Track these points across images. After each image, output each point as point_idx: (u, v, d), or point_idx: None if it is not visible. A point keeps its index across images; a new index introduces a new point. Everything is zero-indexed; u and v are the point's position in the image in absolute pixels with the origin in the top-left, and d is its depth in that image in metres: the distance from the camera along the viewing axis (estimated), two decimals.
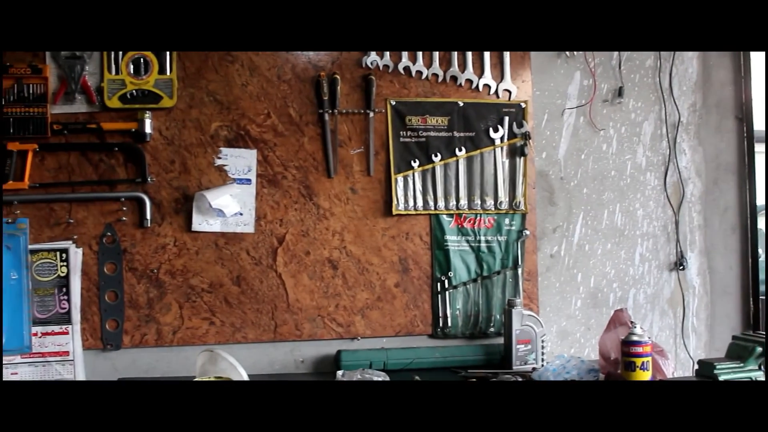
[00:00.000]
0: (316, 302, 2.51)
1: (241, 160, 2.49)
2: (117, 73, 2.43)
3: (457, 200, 2.57)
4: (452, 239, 2.58)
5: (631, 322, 2.04)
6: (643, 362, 1.94)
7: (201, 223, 2.45)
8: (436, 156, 2.57)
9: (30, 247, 2.41)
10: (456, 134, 2.58)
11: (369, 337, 2.53)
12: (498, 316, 2.58)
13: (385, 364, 2.40)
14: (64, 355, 2.42)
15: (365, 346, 2.51)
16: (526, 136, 2.60)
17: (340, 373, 2.28)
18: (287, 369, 2.49)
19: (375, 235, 2.54)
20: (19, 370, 2.40)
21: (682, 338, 2.79)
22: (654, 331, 2.73)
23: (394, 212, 2.54)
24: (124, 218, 2.43)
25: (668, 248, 2.79)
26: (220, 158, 2.48)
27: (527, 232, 2.61)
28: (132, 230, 2.44)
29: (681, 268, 2.78)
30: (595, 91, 2.71)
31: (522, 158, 2.62)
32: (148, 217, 2.44)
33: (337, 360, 2.42)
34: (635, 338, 1.95)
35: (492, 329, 2.59)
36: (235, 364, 1.99)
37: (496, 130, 2.61)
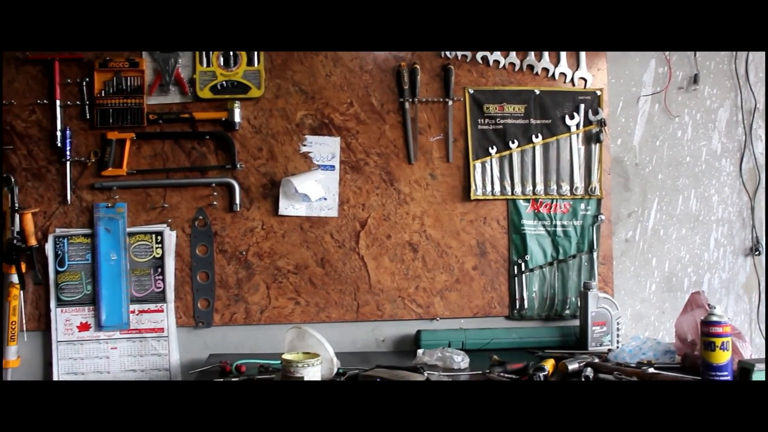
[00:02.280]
0: (396, 284, 2.93)
1: (325, 147, 2.92)
2: (208, 65, 2.88)
3: (534, 186, 2.97)
4: (529, 224, 2.98)
5: (708, 305, 2.31)
6: (723, 342, 2.16)
7: (287, 207, 2.89)
8: (513, 143, 2.97)
9: (128, 230, 2.84)
10: (533, 121, 2.98)
11: (447, 318, 2.93)
12: (573, 299, 2.98)
13: (463, 344, 2.79)
14: (159, 332, 2.88)
15: (444, 326, 2.90)
16: (602, 123, 2.99)
17: (420, 351, 2.69)
18: (369, 348, 2.92)
19: (454, 219, 2.95)
20: (119, 345, 2.86)
21: (757, 323, 3.17)
22: (729, 316, 3.10)
23: (473, 197, 2.95)
24: (214, 203, 2.87)
25: (743, 234, 3.17)
26: (305, 145, 2.91)
27: (602, 217, 3.00)
28: (222, 214, 2.88)
29: (757, 253, 3.14)
30: (670, 78, 3.09)
31: (597, 145, 3.00)
32: (238, 201, 2.86)
33: (417, 339, 2.83)
34: (715, 318, 2.17)
35: (567, 311, 2.98)
36: (322, 341, 2.37)
37: (572, 117, 2.99)
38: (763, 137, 3.08)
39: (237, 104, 2.76)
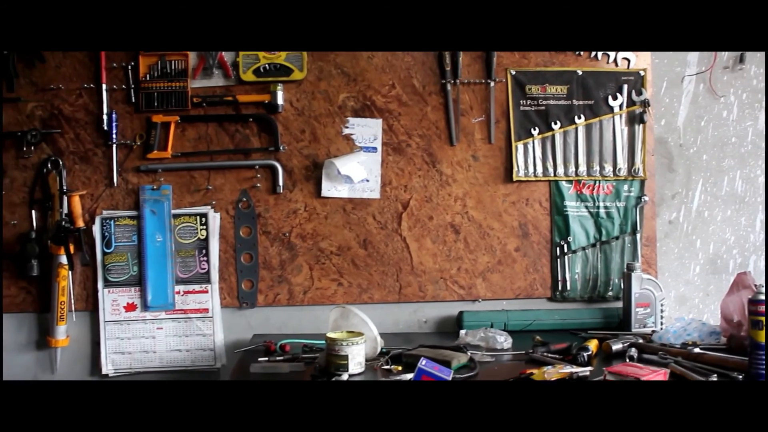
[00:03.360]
0: (438, 265, 3.03)
1: (367, 129, 3.02)
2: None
3: (576, 167, 3.05)
4: (571, 205, 3.07)
5: (756, 285, 2.32)
6: None
7: (330, 189, 3.01)
8: (555, 124, 3.06)
9: (173, 211, 2.96)
10: (575, 102, 3.06)
11: (489, 299, 3.02)
12: (616, 281, 3.06)
13: (505, 325, 2.88)
14: (204, 312, 3.02)
15: (486, 307, 3.02)
16: (645, 104, 3.06)
17: (463, 332, 2.79)
18: (411, 329, 3.03)
19: (496, 200, 3.04)
20: (164, 326, 3.00)
21: None
22: None
23: (515, 179, 3.04)
24: (258, 185, 2.99)
25: None
26: (347, 127, 3.02)
27: (646, 199, 3.08)
28: (265, 196, 3.00)
29: None
30: (716, 57, 3.16)
31: (641, 125, 3.08)
32: (281, 183, 2.98)
33: (459, 320, 2.93)
34: (763, 297, 2.18)
35: (610, 293, 3.07)
36: (366, 320, 2.47)
37: (615, 98, 3.07)
38: None
39: (280, 87, 2.87)
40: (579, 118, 2.92)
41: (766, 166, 3.05)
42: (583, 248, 2.95)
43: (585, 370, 2.11)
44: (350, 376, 2.17)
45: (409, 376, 2.06)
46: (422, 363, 1.99)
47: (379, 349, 2.41)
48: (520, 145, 2.91)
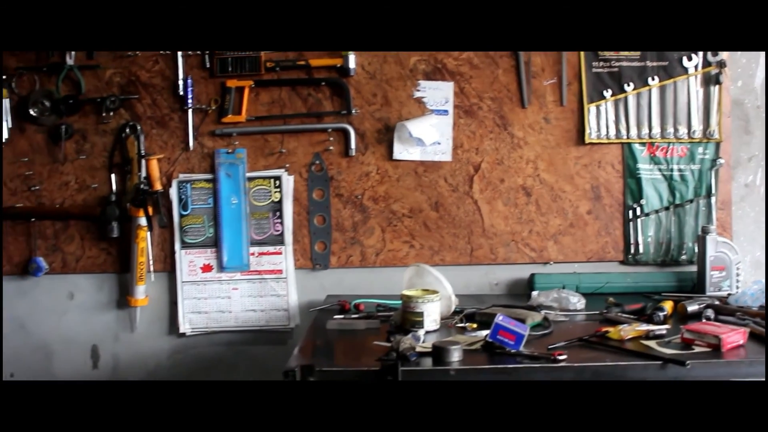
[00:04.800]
0: (510, 228, 3.14)
1: (438, 92, 3.14)
2: None
3: (650, 129, 3.12)
4: (644, 167, 3.15)
5: None
6: None
7: (401, 152, 3.15)
8: (628, 85, 3.13)
9: (247, 174, 3.11)
10: (649, 64, 3.12)
11: (561, 262, 3.10)
12: (690, 244, 3.13)
13: (577, 288, 2.96)
14: (278, 273, 3.19)
15: (557, 270, 3.13)
16: (721, 65, 3.11)
17: (535, 293, 2.91)
18: (482, 291, 3.15)
19: (567, 163, 3.14)
20: (240, 286, 3.18)
21: None
22: None
23: (587, 141, 3.12)
24: (330, 148, 3.13)
25: None
26: (418, 91, 3.14)
27: (721, 161, 3.13)
28: (338, 159, 3.14)
29: None
30: None
31: (716, 87, 3.11)
32: (353, 146, 3.11)
33: (531, 282, 3.04)
34: None
35: (684, 257, 3.14)
36: (441, 278, 2.57)
37: (689, 59, 3.13)
38: None
39: (352, 51, 3.00)
40: (653, 79, 2.99)
41: (766, 164, 3.06)
42: (656, 211, 3.02)
43: (661, 329, 2.20)
44: (426, 332, 2.27)
45: (484, 333, 2.15)
46: (499, 318, 2.07)
47: (453, 308, 2.50)
48: (593, 107, 2.99)
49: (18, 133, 3.07)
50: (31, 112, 3.02)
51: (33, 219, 3.10)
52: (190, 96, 3.01)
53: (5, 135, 3.07)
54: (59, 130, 3.04)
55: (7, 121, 3.05)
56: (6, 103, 3.05)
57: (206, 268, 3.04)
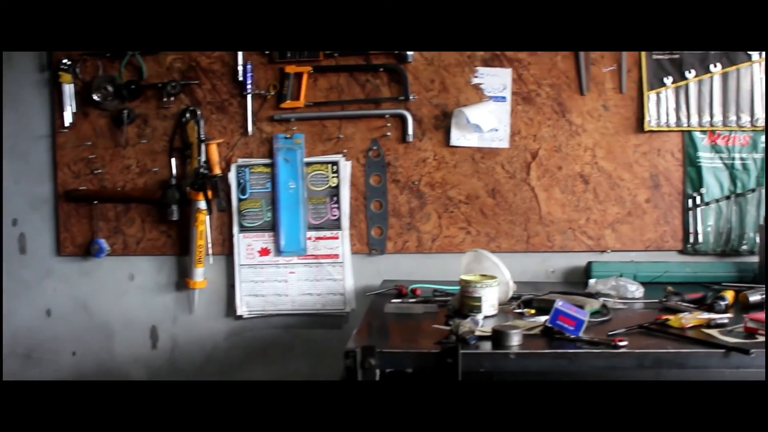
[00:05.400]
0: (567, 215, 3.18)
1: (496, 79, 3.18)
2: None
3: (711, 117, 3.12)
4: (705, 156, 3.15)
5: None
6: None
7: (459, 138, 3.20)
8: (689, 72, 3.12)
9: (305, 159, 3.21)
10: (711, 50, 3.16)
11: (618, 251, 3.12)
12: (751, 234, 3.10)
13: (635, 276, 2.94)
14: (334, 258, 3.27)
15: (614, 258, 3.17)
16: None
17: (592, 281, 2.95)
18: (538, 278, 3.19)
19: (626, 151, 3.16)
20: (296, 270, 3.26)
21: None
22: None
23: (646, 129, 3.13)
24: (388, 134, 3.20)
25: None
26: (476, 77, 3.18)
27: None
28: (395, 145, 3.20)
29: None
30: None
31: None
32: (410, 132, 3.17)
33: (588, 270, 3.07)
34: None
35: (744, 247, 3.12)
36: (499, 264, 2.61)
37: None
38: None
39: None
40: (715, 66, 2.99)
41: (766, 162, 3.03)
42: (717, 200, 3.02)
43: (723, 318, 2.21)
44: (484, 317, 2.33)
45: (543, 318, 2.19)
46: (559, 304, 2.10)
47: (510, 294, 2.53)
48: (653, 95, 3.01)
49: (82, 118, 3.17)
50: (95, 97, 3.13)
51: (95, 201, 3.21)
52: (249, 81, 3.08)
53: (69, 119, 3.13)
54: (121, 114, 3.14)
55: (71, 105, 3.15)
56: (70, 88, 3.14)
57: (264, 252, 3.12)
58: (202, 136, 3.11)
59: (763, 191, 3.00)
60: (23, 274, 3.28)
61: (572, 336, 2.06)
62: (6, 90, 3.23)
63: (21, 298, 3.29)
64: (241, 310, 3.00)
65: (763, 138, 3.00)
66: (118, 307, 3.26)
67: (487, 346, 2.02)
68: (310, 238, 3.02)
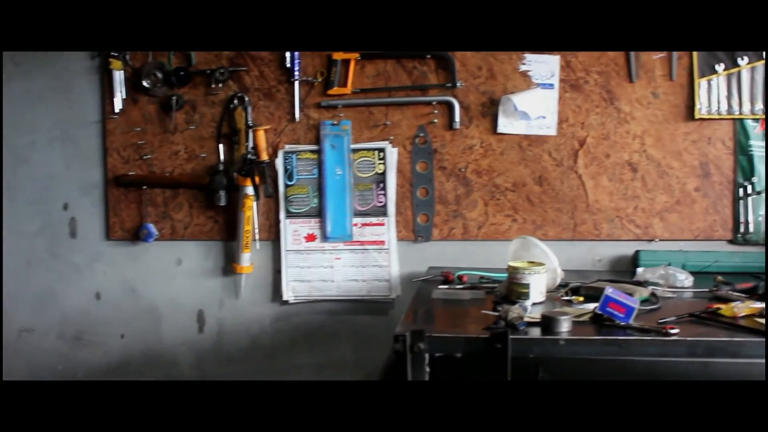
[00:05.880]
0: (614, 203, 3.18)
1: (544, 66, 3.19)
2: None
3: (764, 104, 3.14)
4: (757, 144, 3.09)
5: None
6: None
7: (506, 125, 3.22)
8: (742, 59, 3.11)
9: (352, 146, 3.25)
10: None
11: (666, 240, 3.12)
12: None
13: (683, 266, 2.95)
14: (380, 244, 3.31)
15: (662, 247, 3.18)
16: None
17: (640, 269, 2.96)
18: (584, 266, 3.18)
19: (676, 139, 3.15)
20: (342, 256, 3.31)
21: None
22: None
23: (696, 116, 3.11)
24: (434, 120, 3.22)
25: None
26: (524, 64, 3.19)
27: None
28: (442, 132, 3.22)
29: None
30: None
31: None
32: (457, 119, 3.19)
33: (635, 259, 3.07)
34: None
35: None
36: (547, 251, 2.61)
37: None
38: None
39: None
40: None
41: (766, 162, 2.99)
42: None
43: None
44: (532, 304, 2.36)
45: (592, 305, 2.21)
46: (609, 291, 2.12)
47: (558, 281, 2.55)
48: (704, 82, 3.00)
49: (131, 104, 3.26)
50: (144, 83, 3.20)
51: (144, 187, 3.28)
52: (296, 68, 3.13)
53: (119, 106, 3.22)
54: (170, 101, 3.21)
55: (121, 92, 3.24)
56: (120, 74, 3.23)
57: (310, 238, 3.18)
58: (249, 122, 3.15)
59: None
60: (74, 258, 3.37)
61: (622, 323, 2.07)
62: (58, 76, 3.32)
63: (71, 281, 3.38)
64: (287, 295, 3.07)
65: None
66: (165, 291, 3.34)
67: (536, 332, 2.04)
68: (356, 225, 3.06)
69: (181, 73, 3.11)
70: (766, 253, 2.80)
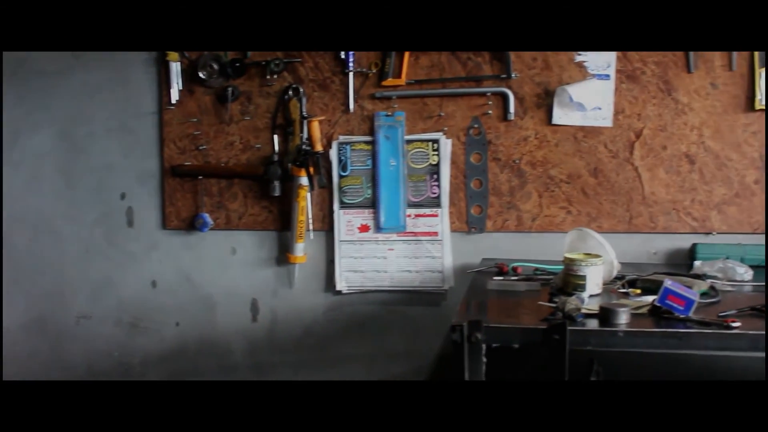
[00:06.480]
0: (671, 196, 3.17)
1: (600, 57, 3.17)
2: None
3: None
4: None
5: None
6: None
7: (561, 116, 3.23)
8: None
9: (406, 137, 3.30)
10: None
11: (724, 233, 3.13)
12: None
13: (742, 259, 2.95)
14: (434, 236, 3.35)
15: (719, 241, 3.16)
16: None
17: (698, 262, 2.97)
18: (639, 259, 3.18)
19: (735, 130, 3.11)
20: (395, 247, 3.36)
21: None
22: None
23: (757, 107, 3.05)
24: (489, 112, 3.25)
25: None
26: (579, 55, 3.17)
27: None
28: (496, 123, 3.25)
29: None
30: None
31: None
32: (512, 110, 3.21)
33: (692, 252, 3.05)
34: None
35: None
36: (604, 243, 2.59)
37: None
38: None
39: None
40: None
41: (766, 161, 2.97)
42: None
43: None
44: (589, 296, 2.39)
45: (650, 298, 2.22)
46: (668, 283, 2.12)
47: (614, 273, 2.55)
48: (764, 72, 2.99)
49: (188, 95, 3.34)
50: (201, 74, 3.28)
51: (200, 177, 3.36)
52: (351, 59, 3.19)
53: (176, 97, 3.31)
54: (226, 92, 3.28)
55: (177, 83, 3.32)
56: (177, 66, 3.31)
57: (363, 228, 3.24)
58: (304, 113, 3.21)
59: None
60: (131, 246, 3.47)
61: (681, 316, 2.07)
62: (115, 68, 3.41)
63: (128, 269, 3.49)
64: (340, 285, 3.11)
65: None
66: (220, 280, 3.43)
67: (593, 324, 2.05)
68: (409, 216, 3.07)
69: (237, 64, 3.19)
70: (766, 252, 2.88)
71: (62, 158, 3.46)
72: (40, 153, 3.50)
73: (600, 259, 2.45)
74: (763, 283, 2.52)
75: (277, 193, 3.18)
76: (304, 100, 3.20)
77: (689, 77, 2.98)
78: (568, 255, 2.46)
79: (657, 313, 2.12)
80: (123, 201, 3.43)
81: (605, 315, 2.07)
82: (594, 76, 3.02)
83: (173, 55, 3.24)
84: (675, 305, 2.09)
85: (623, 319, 2.05)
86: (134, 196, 3.26)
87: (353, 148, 3.17)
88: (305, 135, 3.20)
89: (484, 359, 1.99)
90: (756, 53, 2.93)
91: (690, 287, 2.22)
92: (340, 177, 3.11)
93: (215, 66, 3.23)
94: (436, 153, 3.13)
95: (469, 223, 3.07)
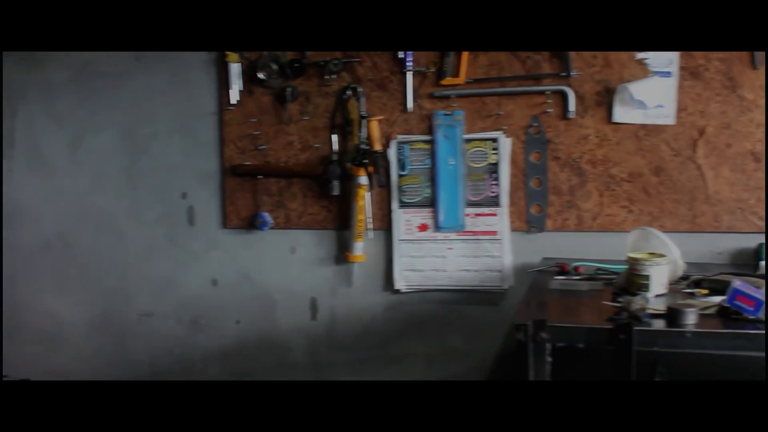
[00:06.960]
0: (736, 195, 3.12)
1: (662, 54, 3.18)
2: None
3: None
4: None
5: None
6: None
7: (622, 115, 3.20)
8: None
9: (464, 136, 3.31)
10: None
11: None
12: None
13: None
14: (493, 235, 3.36)
15: None
16: None
17: (764, 263, 2.97)
18: (703, 259, 3.14)
19: None
20: (454, 246, 3.38)
21: None
22: None
23: None
24: (548, 110, 3.24)
25: None
26: (641, 52, 3.25)
27: None
28: (556, 121, 3.25)
29: None
30: None
31: None
32: (572, 109, 3.21)
33: (758, 253, 3.05)
34: None
35: None
36: (668, 242, 2.55)
37: None
38: None
39: None
40: None
41: (766, 161, 2.91)
42: None
43: None
44: (654, 296, 2.38)
45: (717, 298, 2.20)
46: (737, 283, 2.10)
47: (679, 273, 2.54)
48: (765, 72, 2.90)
49: (247, 96, 3.41)
50: (260, 75, 3.34)
51: (259, 176, 3.43)
52: (409, 59, 3.22)
53: (236, 97, 3.39)
54: (285, 92, 3.34)
55: (237, 84, 3.40)
56: (237, 67, 3.38)
57: (422, 228, 3.27)
58: (362, 112, 3.25)
59: None
60: (192, 245, 3.56)
61: (751, 317, 2.05)
62: (176, 70, 3.49)
63: (189, 267, 3.57)
64: (399, 284, 3.15)
65: None
66: (279, 278, 3.49)
67: (659, 324, 2.05)
68: (468, 215, 3.09)
69: (296, 65, 3.24)
70: (766, 251, 2.86)
71: (125, 158, 3.55)
72: (104, 153, 3.59)
73: (664, 258, 2.44)
74: None
75: (336, 192, 3.21)
76: (362, 100, 3.24)
77: (754, 73, 2.96)
78: (631, 254, 2.45)
79: (725, 314, 2.10)
80: (184, 200, 3.51)
81: (673, 315, 2.06)
82: (655, 73, 3.01)
83: (233, 56, 3.30)
84: (744, 306, 2.07)
85: (691, 319, 2.04)
86: (195, 196, 3.36)
87: (412, 147, 3.21)
88: (364, 134, 3.24)
89: (549, 359, 1.99)
90: None
91: (759, 288, 2.17)
92: (399, 176, 3.13)
93: (274, 66, 3.29)
94: (495, 152, 3.16)
95: (528, 222, 3.08)
